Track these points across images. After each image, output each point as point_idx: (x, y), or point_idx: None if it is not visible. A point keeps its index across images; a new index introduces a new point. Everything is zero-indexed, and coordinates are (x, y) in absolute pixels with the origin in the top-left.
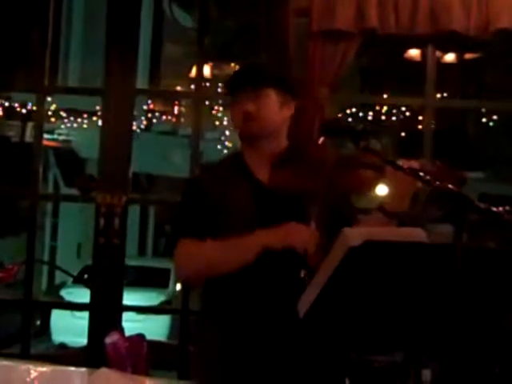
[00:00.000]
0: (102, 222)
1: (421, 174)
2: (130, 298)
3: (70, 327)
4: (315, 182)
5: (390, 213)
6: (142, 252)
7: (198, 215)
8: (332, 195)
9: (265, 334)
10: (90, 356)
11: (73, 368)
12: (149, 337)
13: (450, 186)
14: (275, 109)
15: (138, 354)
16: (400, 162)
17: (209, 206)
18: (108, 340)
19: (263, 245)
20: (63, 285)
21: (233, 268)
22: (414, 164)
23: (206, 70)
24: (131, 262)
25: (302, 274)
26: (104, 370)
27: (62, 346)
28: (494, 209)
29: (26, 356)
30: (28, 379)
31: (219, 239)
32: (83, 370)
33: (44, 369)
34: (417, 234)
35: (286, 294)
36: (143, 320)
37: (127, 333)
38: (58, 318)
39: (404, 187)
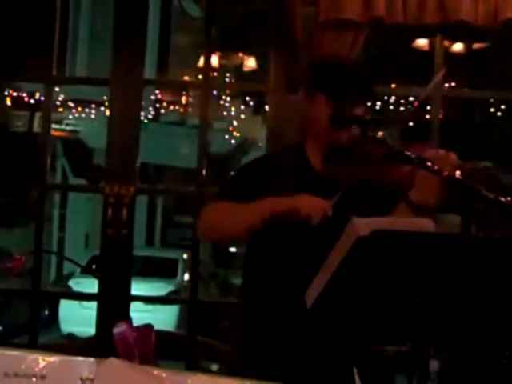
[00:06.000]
0: (109, 212)
1: (428, 163)
2: (138, 288)
3: (77, 317)
4: (365, 174)
5: (415, 205)
6: (149, 242)
7: (242, 194)
8: (376, 189)
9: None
10: (98, 346)
11: (81, 358)
12: (157, 327)
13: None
14: None
15: (146, 344)
16: (440, 152)
17: (255, 191)
18: (116, 330)
19: (270, 210)
20: (71, 275)
21: (241, 230)
22: (451, 157)
23: (214, 60)
24: (139, 252)
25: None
26: (112, 360)
27: (70, 336)
28: (503, 199)
29: (33, 346)
30: (37, 369)
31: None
32: (92, 359)
33: (52, 358)
34: (425, 224)
35: None
36: (152, 310)
37: (135, 323)
38: (66, 308)
39: (433, 182)
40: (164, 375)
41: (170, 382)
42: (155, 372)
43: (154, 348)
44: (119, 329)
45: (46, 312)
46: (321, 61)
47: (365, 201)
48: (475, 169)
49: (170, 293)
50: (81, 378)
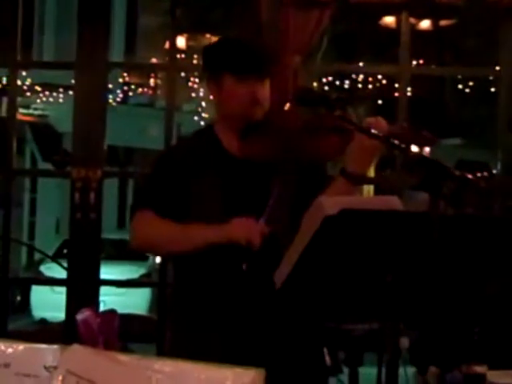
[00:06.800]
0: (77, 196)
1: (395, 141)
2: (110, 271)
3: (49, 303)
4: (284, 148)
5: (354, 176)
6: (121, 225)
7: (164, 190)
8: (301, 162)
9: (238, 307)
10: (68, 331)
11: (45, 345)
12: (130, 310)
13: (417, 148)
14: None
15: (110, 329)
16: (366, 121)
17: (177, 182)
18: (79, 317)
19: (206, 240)
20: (43, 260)
21: (179, 253)
22: (381, 123)
23: (181, 42)
24: (111, 235)
25: (244, 267)
26: (76, 347)
27: (43, 321)
28: (470, 176)
29: (3, 333)
30: (1, 357)
31: (176, 222)
32: (55, 347)
33: (16, 346)
34: (393, 202)
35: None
36: (125, 293)
37: (108, 306)
38: (38, 293)
39: (369, 151)
40: (128, 360)
41: (134, 367)
42: (119, 357)
43: (118, 333)
44: (82, 315)
45: (18, 298)
46: (220, 42)
47: (297, 182)
48: (404, 129)
49: (142, 276)
50: (44, 366)
